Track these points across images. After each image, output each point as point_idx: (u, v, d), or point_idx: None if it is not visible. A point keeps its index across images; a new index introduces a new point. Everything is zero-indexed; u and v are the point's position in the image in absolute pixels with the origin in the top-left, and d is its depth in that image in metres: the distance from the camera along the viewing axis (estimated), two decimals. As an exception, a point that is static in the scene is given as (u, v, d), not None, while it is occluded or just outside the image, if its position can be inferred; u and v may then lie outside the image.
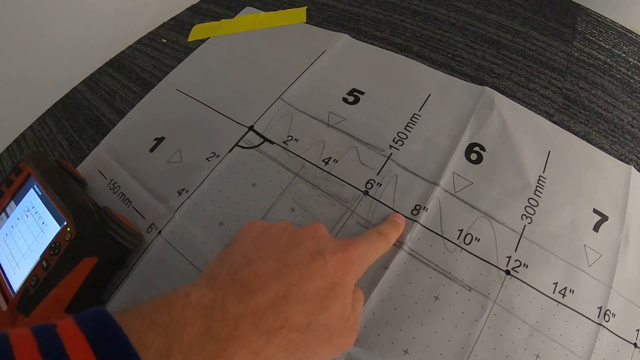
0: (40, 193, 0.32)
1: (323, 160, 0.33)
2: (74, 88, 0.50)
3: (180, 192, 0.34)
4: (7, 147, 0.47)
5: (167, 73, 0.46)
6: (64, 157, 0.42)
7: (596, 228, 0.32)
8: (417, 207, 0.30)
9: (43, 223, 0.31)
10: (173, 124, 0.40)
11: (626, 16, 0.48)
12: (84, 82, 0.50)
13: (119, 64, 0.51)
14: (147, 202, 0.34)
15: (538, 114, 0.36)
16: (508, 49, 0.40)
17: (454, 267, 0.28)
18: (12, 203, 0.34)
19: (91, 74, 0.51)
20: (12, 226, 0.33)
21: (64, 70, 0.50)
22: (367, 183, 0.31)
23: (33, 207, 0.32)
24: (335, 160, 0.33)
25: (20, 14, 0.43)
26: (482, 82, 0.37)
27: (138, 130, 0.41)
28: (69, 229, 0.28)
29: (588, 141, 0.35)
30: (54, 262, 0.27)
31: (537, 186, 0.32)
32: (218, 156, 0.35)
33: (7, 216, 0.33)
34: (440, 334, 0.26)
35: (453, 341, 0.26)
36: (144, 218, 0.33)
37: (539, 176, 0.33)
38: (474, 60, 0.39)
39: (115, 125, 0.42)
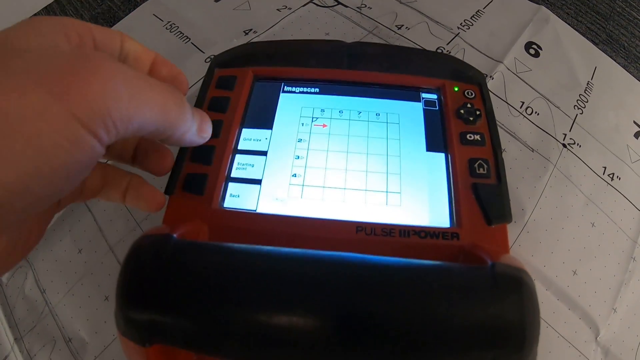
0: None
1: (395, 26, 0.33)
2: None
3: (246, 32, 0.33)
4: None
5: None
6: (114, 9, 0.40)
7: (637, 136, 0.33)
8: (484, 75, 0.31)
9: None
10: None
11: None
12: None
13: None
14: (208, 38, 0.33)
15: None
16: (558, -11, 0.43)
17: (518, 129, 0.29)
18: None
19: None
20: None
21: None
22: (437, 49, 0.32)
23: None
24: (407, 27, 0.33)
25: None
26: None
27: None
28: None
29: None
30: None
31: (586, 87, 0.34)
32: (290, 9, 0.35)
33: None
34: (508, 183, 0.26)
35: (520, 190, 0.26)
36: (203, 52, 0.32)
37: (588, 81, 0.34)
38: (529, -11, 0.42)
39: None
